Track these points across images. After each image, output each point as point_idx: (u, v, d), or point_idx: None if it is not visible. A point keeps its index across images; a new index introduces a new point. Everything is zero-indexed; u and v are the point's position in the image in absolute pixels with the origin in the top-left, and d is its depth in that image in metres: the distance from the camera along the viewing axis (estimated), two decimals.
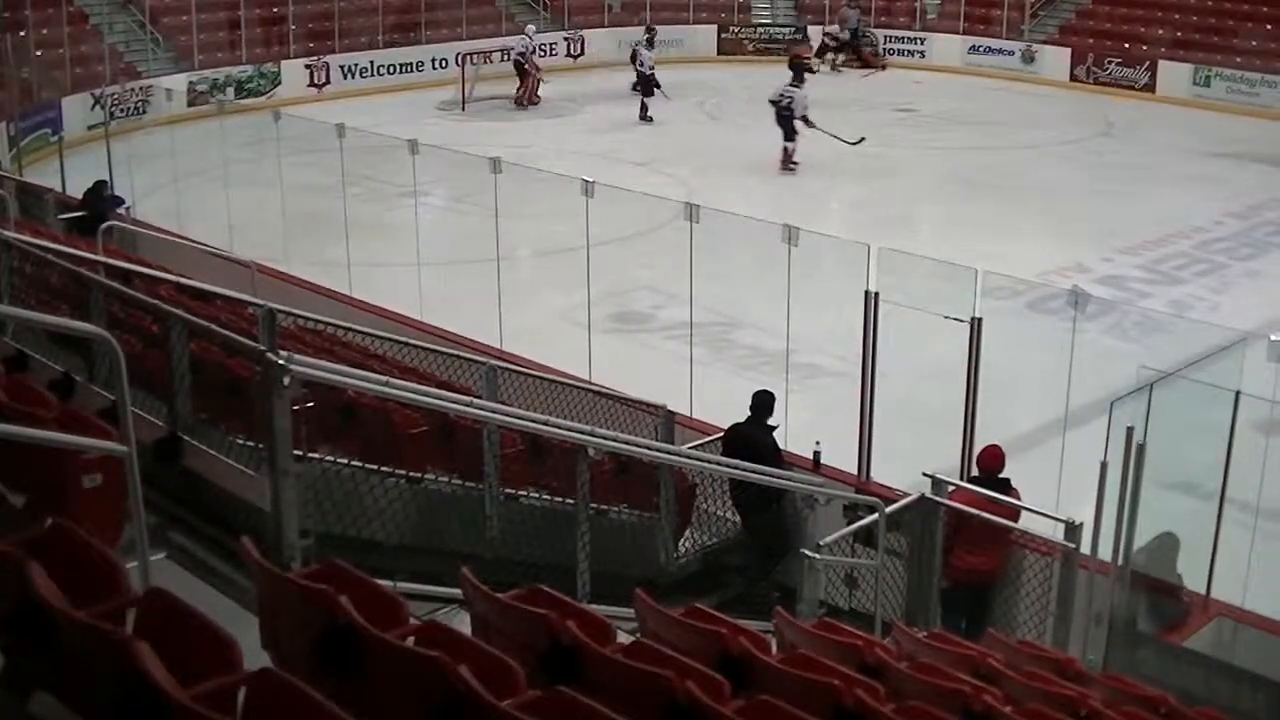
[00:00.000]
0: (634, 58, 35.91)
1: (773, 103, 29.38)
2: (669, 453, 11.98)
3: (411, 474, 9.41)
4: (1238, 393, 10.88)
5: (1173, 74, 38.39)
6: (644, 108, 35.10)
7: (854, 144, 29.44)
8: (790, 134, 29.27)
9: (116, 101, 30.21)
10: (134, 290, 10.54)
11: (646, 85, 35.17)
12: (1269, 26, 38.27)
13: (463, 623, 6.25)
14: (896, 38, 43.57)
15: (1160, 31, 39.82)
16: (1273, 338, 11.80)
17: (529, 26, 38.06)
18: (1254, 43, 37.99)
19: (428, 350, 13.58)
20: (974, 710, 6.62)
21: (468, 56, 37.36)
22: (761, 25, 44.70)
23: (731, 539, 12.84)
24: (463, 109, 35.98)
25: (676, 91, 35.73)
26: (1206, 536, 11.47)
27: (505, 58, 37.44)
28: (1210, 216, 26.87)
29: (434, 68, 38.99)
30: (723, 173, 29.16)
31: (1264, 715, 10.36)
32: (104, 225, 17.13)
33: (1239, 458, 11.29)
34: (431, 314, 17.87)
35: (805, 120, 29.07)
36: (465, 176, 21.78)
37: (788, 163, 29.47)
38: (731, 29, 44.20)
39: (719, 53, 43.26)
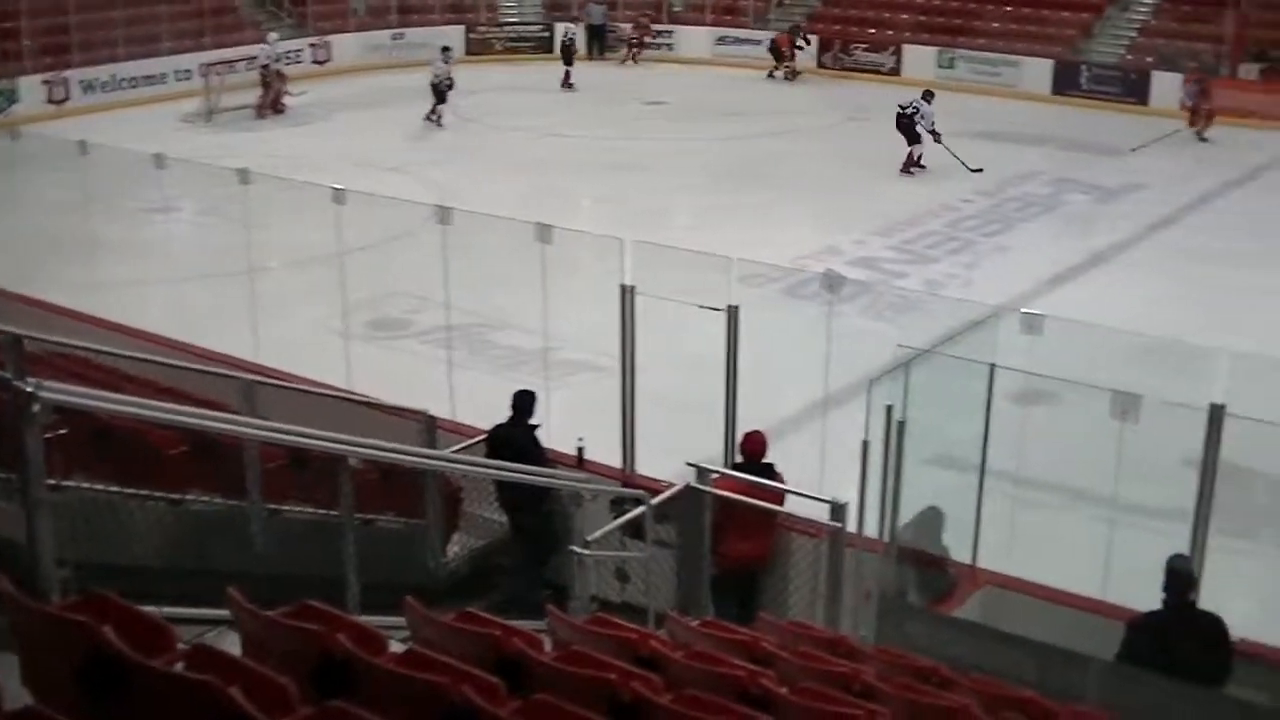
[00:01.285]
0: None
1: (900, 108, 30.15)
2: (432, 458, 11.92)
3: (173, 495, 9.23)
4: (992, 366, 11.17)
5: (918, 57, 39.67)
6: (434, 112, 34.96)
7: (975, 170, 29.53)
8: (913, 140, 29.98)
9: None
10: None
11: (439, 93, 34.92)
12: (1008, 8, 39.72)
13: (232, 643, 6.14)
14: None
15: (904, 16, 41.15)
16: (1023, 310, 12.14)
17: (271, 35, 37.54)
18: (995, 24, 39.39)
19: (183, 369, 13.31)
20: (750, 694, 6.69)
21: (211, 66, 36.66)
22: (509, 24, 44.77)
23: (500, 540, 12.83)
24: (208, 120, 35.26)
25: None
26: (969, 508, 11.75)
27: (250, 66, 36.89)
28: (959, 195, 27.68)
29: (177, 79, 38.12)
30: (475, 174, 29.17)
31: (1033, 675, 10.62)
32: None
33: (997, 430, 11.59)
34: (187, 331, 17.42)
35: (933, 134, 29.74)
36: (214, 189, 21.34)
37: (911, 166, 30.08)
38: (479, 28, 44.10)
39: (467, 53, 42.98)
